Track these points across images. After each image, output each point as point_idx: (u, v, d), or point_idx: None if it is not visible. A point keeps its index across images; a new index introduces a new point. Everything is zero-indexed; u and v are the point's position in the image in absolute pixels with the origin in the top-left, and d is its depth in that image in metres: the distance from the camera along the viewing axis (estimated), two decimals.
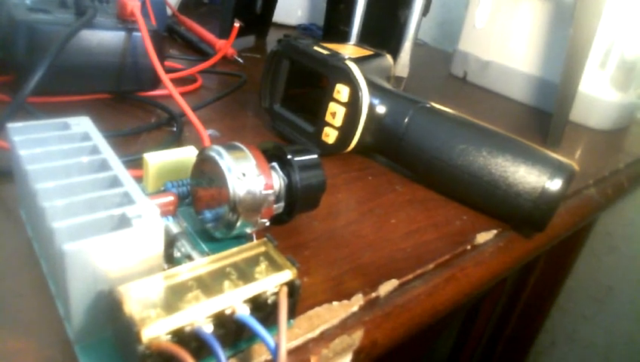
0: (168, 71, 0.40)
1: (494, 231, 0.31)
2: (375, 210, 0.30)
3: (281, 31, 0.74)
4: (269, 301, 0.18)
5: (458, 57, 0.68)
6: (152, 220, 0.17)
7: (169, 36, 0.59)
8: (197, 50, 0.56)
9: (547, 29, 0.57)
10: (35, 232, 0.21)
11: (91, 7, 0.36)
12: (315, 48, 0.35)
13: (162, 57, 0.39)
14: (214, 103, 0.42)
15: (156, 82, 0.39)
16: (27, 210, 0.22)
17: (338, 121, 0.34)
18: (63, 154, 0.20)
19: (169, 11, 0.61)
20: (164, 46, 0.42)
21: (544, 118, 0.55)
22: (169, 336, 0.15)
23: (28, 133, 0.21)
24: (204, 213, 0.23)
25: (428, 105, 0.34)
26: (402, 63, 0.52)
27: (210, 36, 0.56)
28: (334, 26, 0.65)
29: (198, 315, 0.16)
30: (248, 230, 0.23)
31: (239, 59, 0.55)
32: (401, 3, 0.53)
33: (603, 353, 0.75)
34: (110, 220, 0.17)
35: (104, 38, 0.36)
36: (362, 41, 0.52)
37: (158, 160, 0.24)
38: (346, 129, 0.34)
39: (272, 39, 0.69)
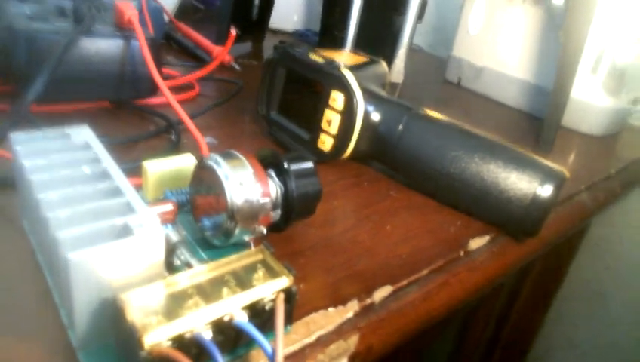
0: (165, 78, 0.41)
1: (487, 237, 0.31)
2: (371, 216, 0.31)
3: (277, 37, 0.75)
4: (267, 307, 0.18)
5: (452, 63, 0.69)
6: (153, 229, 0.17)
7: (165, 42, 0.59)
8: (193, 56, 0.57)
9: (540, 35, 0.58)
10: (38, 242, 0.21)
11: (89, 15, 0.36)
12: (311, 56, 0.36)
13: (160, 65, 0.39)
14: (212, 110, 0.42)
15: (154, 90, 0.39)
16: (30, 219, 0.22)
17: (334, 129, 0.34)
18: (64, 164, 0.21)
19: (166, 18, 0.62)
20: (161, 53, 0.42)
21: (537, 124, 0.55)
22: (170, 342, 0.16)
23: (30, 143, 0.21)
24: (203, 221, 0.23)
25: (421, 112, 0.34)
26: (397, 70, 0.52)
27: (206, 43, 0.57)
28: (330, 32, 0.66)
29: (198, 322, 0.16)
30: (246, 237, 0.23)
31: (236, 66, 0.55)
32: (395, 9, 0.54)
33: (597, 359, 0.76)
34: (112, 229, 0.18)
35: (102, 46, 0.36)
36: (357, 47, 0.52)
37: (157, 168, 0.25)
38: (342, 136, 0.34)
39: (269, 45, 0.70)
